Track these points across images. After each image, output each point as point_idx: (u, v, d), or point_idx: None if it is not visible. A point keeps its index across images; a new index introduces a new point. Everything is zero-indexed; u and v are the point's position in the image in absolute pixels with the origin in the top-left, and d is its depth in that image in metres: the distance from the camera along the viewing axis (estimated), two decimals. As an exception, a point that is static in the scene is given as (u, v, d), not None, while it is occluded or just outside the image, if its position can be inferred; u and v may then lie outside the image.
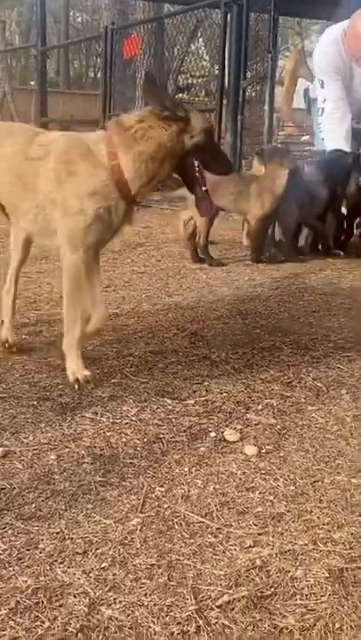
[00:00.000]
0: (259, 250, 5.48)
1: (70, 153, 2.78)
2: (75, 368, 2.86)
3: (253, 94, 8.77)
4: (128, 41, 10.21)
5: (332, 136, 6.08)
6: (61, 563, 1.76)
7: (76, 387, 2.81)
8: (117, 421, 2.55)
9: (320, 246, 5.90)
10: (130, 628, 1.55)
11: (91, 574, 1.72)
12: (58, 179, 2.76)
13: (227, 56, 8.21)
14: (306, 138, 12.76)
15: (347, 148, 5.91)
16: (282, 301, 4.29)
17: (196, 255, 5.40)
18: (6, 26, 31.94)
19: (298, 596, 1.66)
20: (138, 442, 2.41)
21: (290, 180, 5.32)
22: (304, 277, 4.98)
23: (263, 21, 8.64)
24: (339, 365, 3.16)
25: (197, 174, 2.80)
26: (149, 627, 1.55)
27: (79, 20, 34.77)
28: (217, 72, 8.66)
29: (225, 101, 8.12)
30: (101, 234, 2.80)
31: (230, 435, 2.47)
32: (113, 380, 2.92)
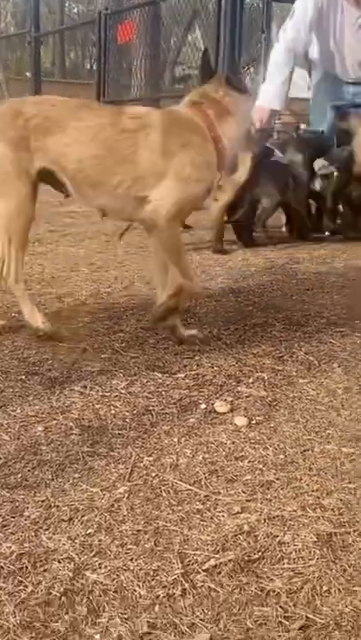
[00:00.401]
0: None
1: (177, 125, 2.90)
2: (182, 331, 3.05)
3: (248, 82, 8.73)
4: (122, 26, 10.16)
5: (265, 88, 5.49)
6: (46, 529, 1.73)
7: (196, 342, 3.02)
8: (107, 394, 2.53)
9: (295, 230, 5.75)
10: (114, 592, 1.53)
11: (76, 540, 1.70)
12: (167, 150, 2.82)
13: (221, 40, 8.15)
14: (303, 127, 12.72)
15: (276, 106, 5.44)
16: (275, 280, 4.26)
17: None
18: (1, 17, 31.85)
19: (285, 560, 1.64)
20: (127, 414, 2.38)
21: (265, 163, 5.23)
22: (298, 257, 4.95)
23: (258, 8, 8.61)
24: (331, 340, 3.14)
25: None
26: (134, 590, 1.53)
27: (75, 10, 34.63)
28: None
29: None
30: (200, 203, 3.03)
31: (220, 406, 2.45)
32: (103, 355, 2.89)
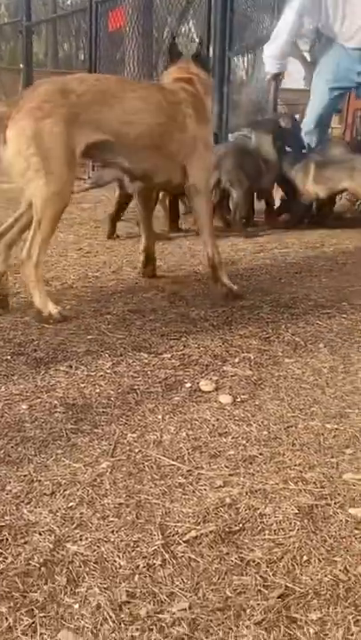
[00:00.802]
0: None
1: (197, 100, 3.23)
2: (229, 282, 3.42)
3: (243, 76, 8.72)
4: (113, 13, 10.12)
5: (267, 47, 5.88)
6: (28, 503, 1.73)
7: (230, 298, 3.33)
8: (92, 374, 2.53)
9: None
10: (95, 563, 1.53)
11: (57, 513, 1.70)
12: (199, 122, 3.18)
13: (212, 27, 8.13)
14: (297, 116, 12.69)
15: (273, 69, 5.84)
16: (264, 264, 4.26)
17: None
18: (-7, 7, 31.66)
19: (266, 532, 1.64)
20: (112, 392, 2.38)
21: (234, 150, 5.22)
22: (287, 242, 4.95)
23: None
24: (318, 322, 3.14)
25: None
26: (114, 561, 1.53)
27: (68, 2, 34.50)
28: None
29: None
30: None
31: (205, 385, 2.45)
32: (89, 337, 2.89)
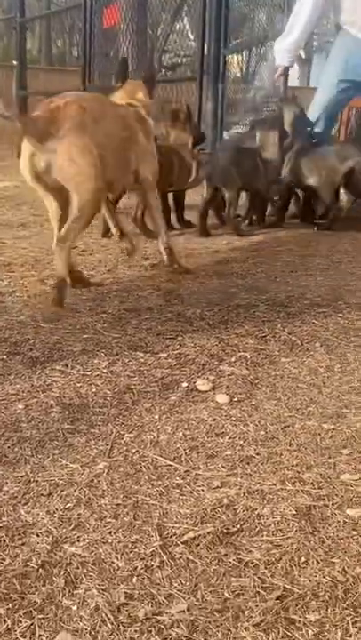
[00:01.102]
0: (203, 222, 5.24)
1: (143, 120, 3.85)
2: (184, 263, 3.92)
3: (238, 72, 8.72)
4: (108, 10, 10.11)
5: (278, 47, 5.97)
6: (25, 504, 1.73)
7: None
8: (88, 373, 2.52)
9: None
10: (92, 564, 1.53)
11: (55, 514, 1.69)
12: (146, 135, 3.82)
13: (207, 24, 8.11)
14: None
15: (285, 63, 5.91)
16: (259, 263, 4.25)
17: (205, 229, 5.13)
18: (-13, 3, 31.59)
19: (264, 533, 1.64)
20: (108, 392, 2.38)
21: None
22: (282, 240, 4.95)
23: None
24: (314, 321, 3.14)
25: None
26: (112, 562, 1.53)
27: (62, -1, 34.44)
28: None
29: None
30: None
31: (202, 384, 2.44)
32: (85, 336, 2.88)
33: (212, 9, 7.82)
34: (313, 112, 6.05)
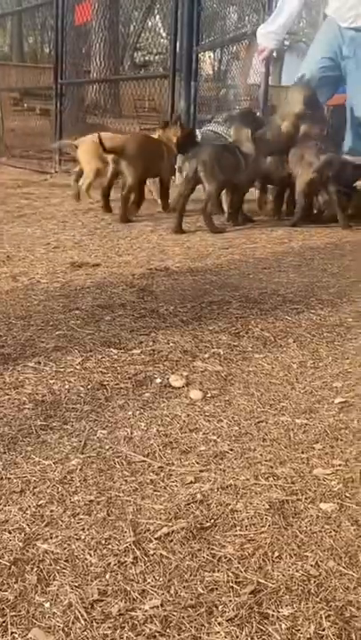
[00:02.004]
0: (178, 219, 5.27)
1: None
2: None
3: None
4: (80, 7, 10.05)
5: (264, 30, 6.10)
6: (-3, 501, 1.72)
7: None
8: (61, 370, 2.51)
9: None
10: (65, 561, 1.52)
11: (27, 511, 1.68)
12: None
13: (179, 22, 8.10)
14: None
15: (271, 44, 6.06)
16: (233, 260, 4.26)
17: (180, 226, 5.15)
18: None
19: (238, 527, 1.64)
20: (81, 389, 2.37)
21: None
22: (256, 237, 4.96)
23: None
24: (287, 317, 3.14)
25: None
26: (85, 559, 1.52)
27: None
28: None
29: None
30: None
31: (176, 380, 2.44)
32: (58, 332, 2.87)
33: (184, 6, 7.81)
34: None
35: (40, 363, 2.56)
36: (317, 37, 6.32)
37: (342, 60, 5.97)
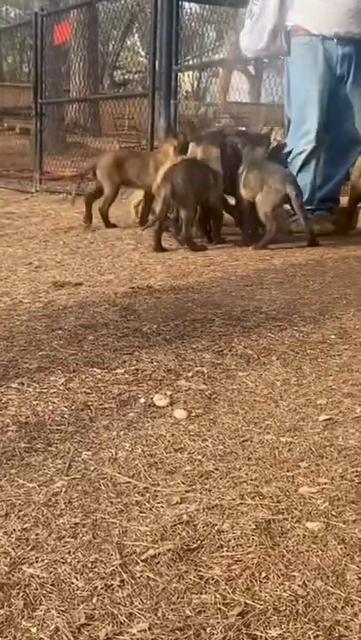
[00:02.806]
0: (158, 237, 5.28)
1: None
2: None
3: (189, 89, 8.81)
4: (59, 26, 10.09)
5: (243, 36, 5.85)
6: (-18, 525, 1.70)
7: None
8: (44, 391, 2.50)
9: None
10: (52, 585, 1.50)
11: (12, 535, 1.67)
12: None
13: (158, 41, 8.15)
14: (242, 129, 12.82)
15: (249, 53, 5.87)
16: (215, 277, 4.27)
17: (160, 244, 5.11)
18: None
19: (224, 548, 1.63)
20: (65, 409, 2.36)
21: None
22: (237, 255, 4.97)
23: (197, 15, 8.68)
24: (270, 334, 3.15)
25: None
26: (72, 582, 1.51)
27: (12, 15, 34.37)
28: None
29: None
30: None
31: (160, 400, 2.44)
32: (41, 353, 2.86)
33: (162, 25, 7.86)
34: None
35: (23, 384, 2.55)
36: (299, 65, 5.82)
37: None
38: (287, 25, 5.66)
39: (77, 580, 1.52)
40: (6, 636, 1.36)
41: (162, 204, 5.10)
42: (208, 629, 1.38)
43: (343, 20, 5.52)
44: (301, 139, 5.70)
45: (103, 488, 1.88)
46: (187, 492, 1.87)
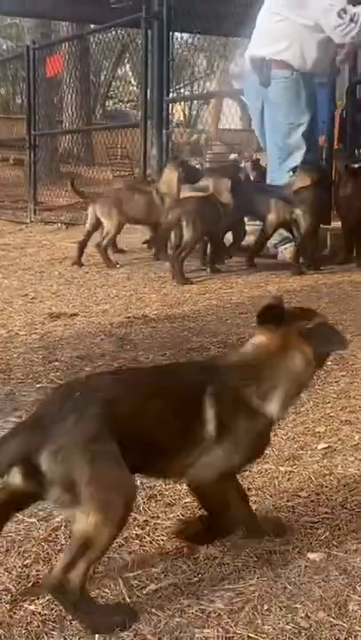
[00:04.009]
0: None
1: None
2: None
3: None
4: (51, 59, 10.18)
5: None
6: (-18, 562, 1.69)
7: None
8: (42, 424, 2.49)
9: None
10: (53, 622, 1.50)
11: (13, 572, 1.66)
12: None
13: (149, 72, 8.22)
14: (234, 156, 12.91)
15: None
16: (210, 305, 4.28)
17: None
18: None
19: (226, 581, 1.63)
20: (63, 442, 2.35)
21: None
22: (232, 282, 4.99)
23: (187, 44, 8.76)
24: (267, 362, 3.15)
25: None
26: (73, 619, 1.50)
27: (4, 47, 34.68)
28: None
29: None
30: None
31: (158, 431, 2.43)
32: (38, 385, 2.86)
33: (153, 56, 7.93)
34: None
35: (21, 417, 2.53)
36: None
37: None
38: None
39: (79, 616, 1.51)
40: (9, 675, 1.35)
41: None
42: (211, 664, 1.38)
43: None
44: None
45: (103, 522, 1.87)
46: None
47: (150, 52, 8.00)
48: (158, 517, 1.90)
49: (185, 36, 10.50)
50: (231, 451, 1.62)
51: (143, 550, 1.75)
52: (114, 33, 11.50)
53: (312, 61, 5.63)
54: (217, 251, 5.54)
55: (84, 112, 16.77)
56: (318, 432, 2.44)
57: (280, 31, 5.59)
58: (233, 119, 11.50)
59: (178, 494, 2.01)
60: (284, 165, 5.71)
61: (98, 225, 5.71)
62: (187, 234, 5.06)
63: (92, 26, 11.43)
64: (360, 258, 5.71)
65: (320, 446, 2.33)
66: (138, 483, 2.05)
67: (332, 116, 6.67)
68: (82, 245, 5.74)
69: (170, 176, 5.74)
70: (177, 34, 8.82)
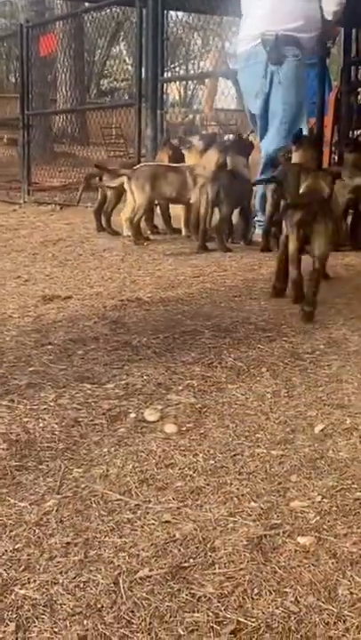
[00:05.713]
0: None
1: None
2: None
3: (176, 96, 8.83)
4: (44, 38, 10.10)
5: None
6: (-27, 546, 1.70)
7: None
8: (35, 407, 2.50)
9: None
10: (44, 606, 1.50)
11: (4, 556, 1.66)
12: None
13: (144, 51, 8.17)
14: (230, 137, 12.84)
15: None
16: (203, 288, 4.28)
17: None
18: None
19: (216, 566, 1.64)
20: (56, 426, 2.36)
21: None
22: (225, 265, 4.98)
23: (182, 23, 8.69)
24: (259, 345, 3.16)
25: None
26: (64, 603, 1.51)
27: (-2, 24, 34.42)
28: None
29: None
30: None
31: (150, 415, 2.44)
32: (30, 369, 2.85)
33: (148, 35, 7.88)
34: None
35: (13, 401, 2.54)
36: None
37: None
38: None
39: (70, 600, 1.52)
40: (-1, 659, 1.36)
41: (207, 207, 5.49)
42: (201, 649, 1.39)
43: None
44: None
45: (95, 506, 1.88)
46: (178, 508, 1.87)
47: (145, 31, 7.94)
48: (150, 502, 1.90)
49: (180, 14, 10.40)
50: None
51: (134, 535, 1.75)
52: (108, 11, 11.39)
53: (313, 40, 5.73)
54: (247, 224, 5.91)
55: (79, 91, 16.68)
56: (310, 415, 2.45)
57: (300, 8, 5.64)
58: (229, 98, 11.46)
59: (170, 478, 2.02)
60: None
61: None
62: (224, 208, 5.48)
63: (86, 4, 11.30)
64: (355, 240, 5.70)
65: (312, 430, 2.33)
66: (129, 462, 2.06)
67: (322, 97, 6.68)
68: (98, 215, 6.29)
69: (210, 157, 5.75)
70: (172, 12, 8.74)
